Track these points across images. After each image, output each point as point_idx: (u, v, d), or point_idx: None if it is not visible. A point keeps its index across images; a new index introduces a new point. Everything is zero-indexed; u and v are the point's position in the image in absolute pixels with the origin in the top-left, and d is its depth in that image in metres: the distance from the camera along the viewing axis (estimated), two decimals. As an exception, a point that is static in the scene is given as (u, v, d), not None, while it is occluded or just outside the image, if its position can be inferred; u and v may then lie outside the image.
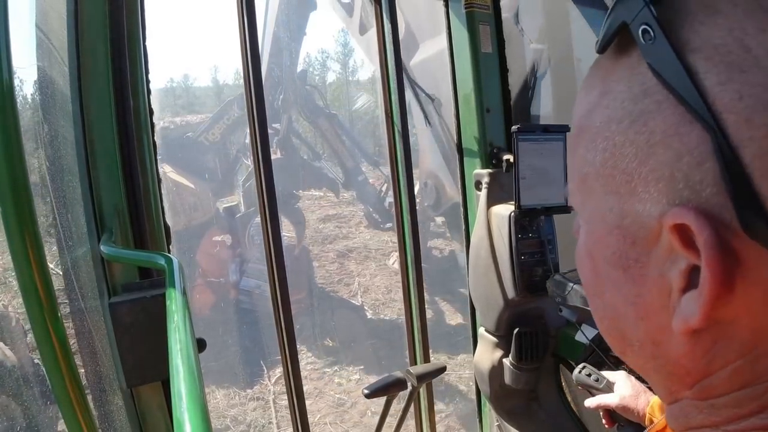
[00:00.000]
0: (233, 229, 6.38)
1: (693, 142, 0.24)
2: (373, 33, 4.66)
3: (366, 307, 6.10)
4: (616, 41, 0.28)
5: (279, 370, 4.68)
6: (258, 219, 6.22)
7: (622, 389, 0.91)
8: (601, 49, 0.29)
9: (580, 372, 1.00)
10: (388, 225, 7.30)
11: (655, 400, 0.86)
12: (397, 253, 6.58)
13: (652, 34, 0.25)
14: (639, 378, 0.97)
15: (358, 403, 4.24)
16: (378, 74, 1.69)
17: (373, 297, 6.33)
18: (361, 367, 4.86)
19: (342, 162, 7.14)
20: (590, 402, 0.96)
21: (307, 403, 1.51)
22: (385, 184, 7.32)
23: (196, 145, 6.91)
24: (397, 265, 6.71)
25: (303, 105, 6.90)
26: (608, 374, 0.97)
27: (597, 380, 0.96)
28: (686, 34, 0.24)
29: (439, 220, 3.98)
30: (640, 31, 0.25)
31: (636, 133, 0.27)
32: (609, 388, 0.94)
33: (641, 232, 0.28)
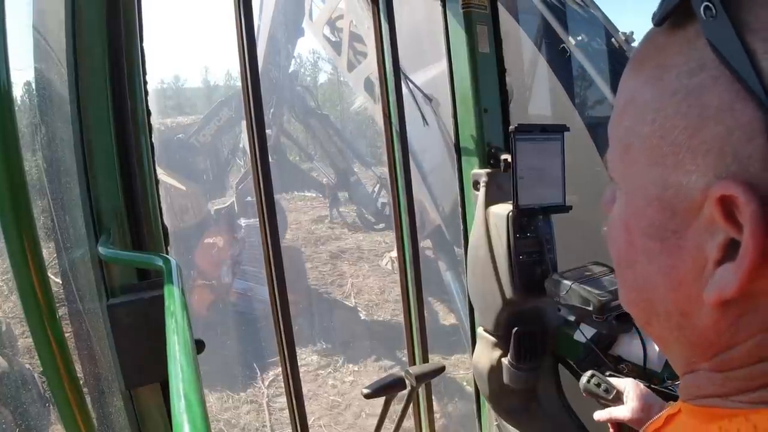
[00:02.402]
0: (226, 231, 6.39)
1: (745, 119, 0.25)
2: (359, 70, 4.79)
3: (359, 308, 6.10)
4: (674, 15, 0.29)
5: (272, 373, 4.68)
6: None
7: (633, 401, 0.88)
8: (660, 21, 0.30)
9: (588, 381, 0.95)
10: (381, 225, 7.29)
11: (667, 411, 0.84)
12: (389, 254, 6.57)
13: (713, 11, 0.26)
14: (649, 376, 0.94)
15: (352, 405, 4.23)
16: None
17: (366, 298, 6.35)
18: (356, 368, 4.86)
19: (334, 163, 7.15)
20: (600, 415, 0.92)
21: (305, 404, 1.51)
22: (378, 185, 7.32)
23: (187, 146, 6.91)
24: (389, 266, 6.71)
25: (294, 106, 6.93)
26: (617, 383, 0.93)
27: (606, 390, 0.92)
28: (746, 16, 0.25)
29: (433, 218, 4.00)
30: (702, 7, 0.26)
31: (689, 106, 0.27)
32: (618, 398, 0.90)
33: (683, 203, 0.28)
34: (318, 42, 5.57)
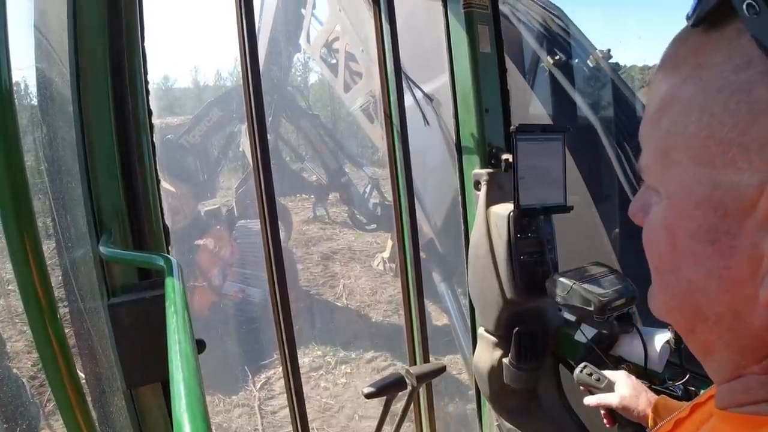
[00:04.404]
0: (217, 233, 6.40)
1: None
2: (355, 91, 4.97)
3: (352, 310, 6.09)
4: (711, 15, 0.29)
5: (264, 376, 4.65)
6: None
7: (623, 389, 0.91)
8: (697, 22, 0.29)
9: (581, 371, 1.00)
10: (372, 226, 7.28)
11: (658, 400, 0.86)
12: (381, 255, 6.54)
13: (756, 8, 0.26)
14: (650, 377, 0.96)
15: (345, 407, 4.20)
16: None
17: (358, 299, 6.31)
18: (348, 370, 4.83)
19: (325, 163, 7.13)
20: (590, 400, 0.97)
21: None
22: (369, 185, 7.32)
23: (177, 147, 6.89)
24: (381, 267, 6.71)
25: (286, 107, 6.94)
26: (609, 374, 0.97)
27: (598, 380, 0.97)
28: None
29: (426, 231, 4.04)
30: (744, 5, 0.26)
31: (737, 102, 0.27)
32: (610, 387, 0.95)
33: (735, 202, 0.28)
34: (316, 63, 5.69)
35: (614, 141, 2.42)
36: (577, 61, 2.62)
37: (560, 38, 2.65)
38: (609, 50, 2.63)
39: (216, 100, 7.27)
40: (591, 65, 2.61)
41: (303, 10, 5.85)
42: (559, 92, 2.57)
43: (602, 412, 0.95)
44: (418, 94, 2.03)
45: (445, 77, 1.61)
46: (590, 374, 0.98)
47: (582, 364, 1.01)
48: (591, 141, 2.45)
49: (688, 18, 0.30)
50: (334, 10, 4.72)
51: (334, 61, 5.30)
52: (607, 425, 0.95)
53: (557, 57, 2.57)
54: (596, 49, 2.64)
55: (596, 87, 2.64)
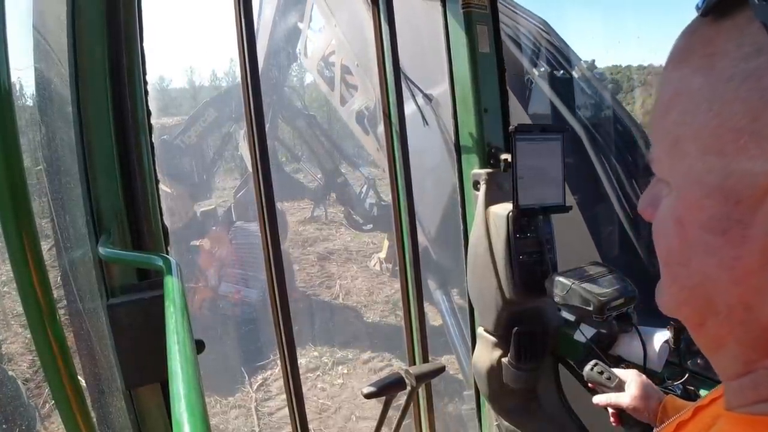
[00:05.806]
0: (213, 233, 6.39)
1: None
2: (351, 104, 4.95)
3: (348, 310, 6.08)
4: (721, 5, 0.29)
5: (261, 377, 4.63)
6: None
7: (633, 389, 0.90)
8: (707, 12, 0.29)
9: (591, 369, 0.98)
10: (369, 226, 7.27)
11: (667, 399, 0.85)
12: (378, 255, 6.55)
13: None
14: (649, 376, 0.96)
15: (342, 408, 4.18)
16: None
17: (355, 299, 6.29)
18: (345, 371, 4.82)
19: (321, 164, 7.13)
20: (599, 399, 0.95)
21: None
22: (365, 185, 7.32)
23: (173, 148, 6.89)
24: (378, 267, 6.71)
25: (282, 107, 6.96)
26: (619, 372, 0.96)
27: (609, 378, 0.95)
28: None
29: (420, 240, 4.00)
30: None
31: (748, 90, 0.27)
32: (620, 386, 0.93)
33: (748, 190, 0.28)
34: (314, 77, 5.76)
35: (598, 148, 2.45)
36: (562, 72, 2.66)
37: (546, 50, 2.68)
38: (593, 60, 2.73)
39: (212, 100, 7.26)
40: (576, 75, 2.66)
41: (300, 24, 5.90)
42: (545, 102, 2.60)
43: (610, 411, 0.94)
44: (418, 95, 2.03)
45: (446, 85, 1.61)
46: (601, 372, 0.97)
47: (593, 362, 0.99)
48: (575, 148, 2.47)
49: (697, 8, 0.30)
50: (329, 25, 4.78)
51: (330, 74, 5.36)
52: (614, 424, 0.94)
53: (542, 69, 2.62)
54: (581, 60, 2.69)
55: (581, 96, 2.69)
